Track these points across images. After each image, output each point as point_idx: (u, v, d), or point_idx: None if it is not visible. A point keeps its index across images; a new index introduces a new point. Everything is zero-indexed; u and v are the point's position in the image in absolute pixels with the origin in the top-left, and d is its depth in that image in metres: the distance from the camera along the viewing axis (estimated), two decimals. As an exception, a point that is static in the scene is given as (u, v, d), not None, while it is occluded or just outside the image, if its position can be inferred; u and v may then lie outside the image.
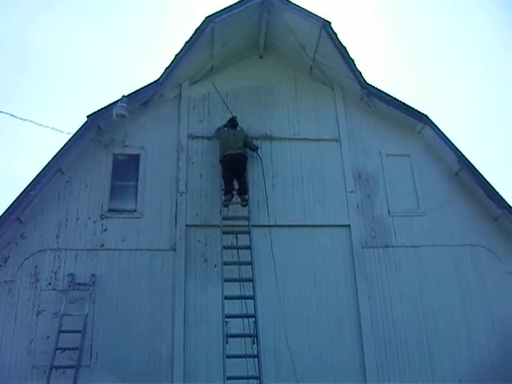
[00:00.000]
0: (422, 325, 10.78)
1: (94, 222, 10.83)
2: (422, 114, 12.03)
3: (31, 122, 10.93)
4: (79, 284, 10.31)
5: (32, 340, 9.97)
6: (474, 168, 11.76)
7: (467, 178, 11.80)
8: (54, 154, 10.82)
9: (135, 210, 11.01)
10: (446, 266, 11.28)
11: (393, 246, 11.27)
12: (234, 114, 11.55)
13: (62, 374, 9.53)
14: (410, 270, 11.12)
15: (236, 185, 10.77)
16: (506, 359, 10.82)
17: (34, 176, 10.66)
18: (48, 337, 9.88)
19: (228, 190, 10.66)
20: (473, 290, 11.20)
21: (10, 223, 10.46)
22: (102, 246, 10.67)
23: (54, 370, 9.41)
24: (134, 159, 11.41)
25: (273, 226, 10.92)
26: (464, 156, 11.82)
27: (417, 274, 11.10)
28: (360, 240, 11.18)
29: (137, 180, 11.23)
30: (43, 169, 10.72)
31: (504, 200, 11.64)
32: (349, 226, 11.26)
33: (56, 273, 10.44)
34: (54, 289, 10.32)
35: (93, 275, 10.37)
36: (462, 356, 10.69)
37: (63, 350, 9.65)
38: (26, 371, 9.78)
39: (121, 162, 11.44)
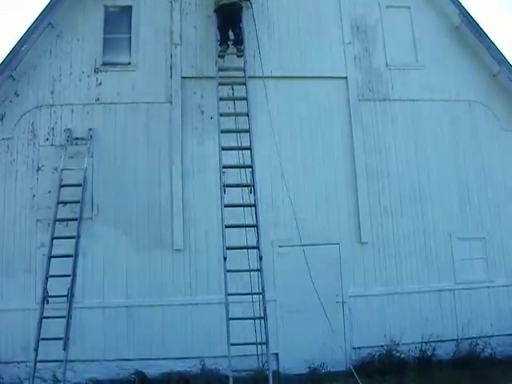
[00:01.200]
0: (416, 178, 11.04)
1: (89, 77, 10.69)
2: (423, -39, 11.51)
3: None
4: (77, 139, 10.41)
5: (34, 195, 10.25)
6: (475, 22, 11.46)
7: (468, 32, 11.51)
8: (43, 7, 10.49)
9: (129, 63, 10.83)
10: (442, 120, 11.34)
11: (389, 100, 11.22)
12: None
13: (65, 226, 9.87)
14: (405, 124, 11.19)
15: (231, 35, 10.53)
16: (496, 211, 11.19)
17: (24, 31, 10.39)
18: (49, 191, 10.13)
19: (223, 41, 10.46)
20: (467, 146, 11.35)
21: (3, 80, 10.35)
22: (98, 100, 10.62)
23: (57, 223, 9.71)
24: (126, 11, 11.02)
25: (269, 77, 10.72)
26: (465, 9, 11.47)
27: (412, 128, 11.18)
28: (357, 92, 11.10)
29: (130, 32, 10.94)
30: (33, 23, 10.42)
31: (504, 56, 11.46)
32: (346, 78, 11.11)
33: (53, 128, 10.50)
34: (52, 144, 10.44)
35: (90, 129, 10.42)
36: (453, 210, 11.06)
37: (65, 203, 9.92)
38: (31, 225, 10.16)
39: (112, 14, 11.06)
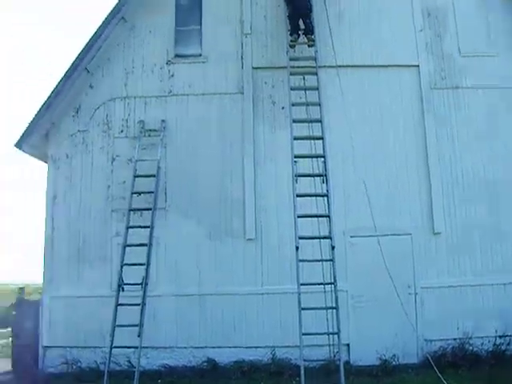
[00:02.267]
0: (490, 168, 10.67)
1: (161, 69, 10.92)
2: None
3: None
4: (150, 130, 10.65)
5: (109, 186, 10.60)
6: (554, 5, 11.01)
7: (544, 18, 11.07)
8: (116, 2, 10.74)
9: (201, 55, 10.99)
10: (517, 110, 10.91)
11: (462, 88, 10.91)
12: None
13: (139, 216, 10.10)
14: (479, 113, 10.85)
15: (302, 24, 10.42)
16: None
17: (98, 25, 10.68)
18: (124, 182, 10.42)
19: (294, 30, 10.39)
20: (544, 137, 10.88)
21: (78, 74, 10.73)
22: (170, 92, 10.84)
23: (131, 212, 9.93)
24: (197, 2, 11.18)
25: (340, 66, 10.53)
26: (542, -6, 11.03)
27: (486, 117, 10.83)
28: (429, 81, 10.86)
29: (200, 24, 11.10)
30: (106, 18, 10.71)
31: None
32: (418, 66, 10.89)
33: (127, 120, 10.81)
34: (126, 136, 10.74)
35: (163, 121, 10.66)
36: (530, 198, 10.61)
37: (139, 193, 10.11)
38: (106, 215, 10.52)
39: (183, 5, 11.23)
